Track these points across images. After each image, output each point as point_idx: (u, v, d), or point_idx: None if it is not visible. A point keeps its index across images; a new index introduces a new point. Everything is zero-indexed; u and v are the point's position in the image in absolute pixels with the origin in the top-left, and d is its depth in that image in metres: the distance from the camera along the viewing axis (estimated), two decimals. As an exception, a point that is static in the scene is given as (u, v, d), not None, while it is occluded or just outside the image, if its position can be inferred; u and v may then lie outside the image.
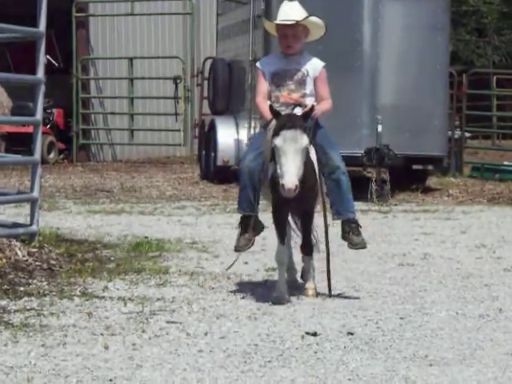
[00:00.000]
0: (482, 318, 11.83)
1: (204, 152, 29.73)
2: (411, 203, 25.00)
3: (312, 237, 13.01)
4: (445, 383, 8.93)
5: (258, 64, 12.36)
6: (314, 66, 12.00)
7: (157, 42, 38.74)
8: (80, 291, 12.78)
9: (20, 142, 26.40)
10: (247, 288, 13.24)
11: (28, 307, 12.09)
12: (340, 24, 23.74)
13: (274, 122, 11.60)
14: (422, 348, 10.27)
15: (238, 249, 12.78)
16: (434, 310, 12.28)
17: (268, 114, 11.61)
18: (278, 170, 11.41)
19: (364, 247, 12.79)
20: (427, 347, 10.31)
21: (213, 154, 28.13)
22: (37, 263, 14.48)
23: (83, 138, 36.52)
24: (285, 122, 11.29)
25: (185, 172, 31.64)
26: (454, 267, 15.60)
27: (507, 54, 67.96)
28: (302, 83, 11.84)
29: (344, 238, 12.70)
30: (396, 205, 23.83)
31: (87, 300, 12.34)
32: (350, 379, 9.02)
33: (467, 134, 36.84)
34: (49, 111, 33.32)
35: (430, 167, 27.91)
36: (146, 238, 17.80)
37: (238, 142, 27.11)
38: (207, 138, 29.28)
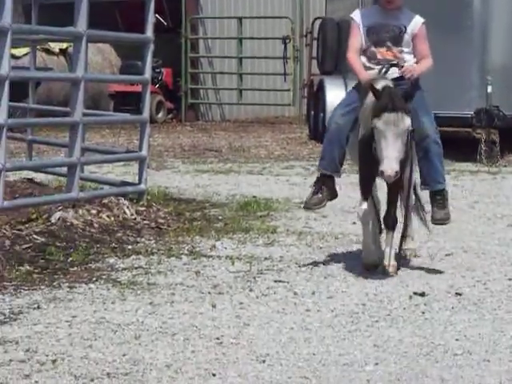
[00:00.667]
0: None
1: (313, 112, 29.71)
2: (522, 164, 24.77)
3: (420, 216, 12.58)
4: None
5: (353, 15, 11.66)
6: (413, 22, 11.29)
7: (266, 2, 38.79)
8: (188, 250, 12.88)
9: (128, 101, 26.45)
10: (355, 248, 13.23)
11: (136, 265, 12.23)
12: None
13: (372, 97, 10.92)
14: None
15: (307, 206, 12.38)
16: (543, 271, 12.13)
17: (361, 73, 11.23)
18: (378, 153, 10.95)
19: (445, 222, 11.94)
20: (536, 308, 10.23)
21: (321, 115, 28.06)
22: (145, 222, 14.60)
23: (192, 98, 36.64)
24: (386, 103, 10.66)
25: (293, 132, 31.66)
26: None
27: None
28: (399, 39, 11.19)
29: (430, 210, 12.15)
30: (506, 166, 23.44)
31: (195, 259, 12.43)
32: (457, 339, 9.10)
33: None
34: (157, 70, 33.34)
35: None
36: (254, 197, 17.83)
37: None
38: (316, 98, 29.26)
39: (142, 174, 15.87)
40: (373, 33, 10.99)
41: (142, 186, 15.77)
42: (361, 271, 11.98)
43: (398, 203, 12.33)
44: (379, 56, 11.07)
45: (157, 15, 18.00)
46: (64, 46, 25.74)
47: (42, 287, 11.03)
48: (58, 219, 13.76)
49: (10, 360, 8.42)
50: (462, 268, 12.27)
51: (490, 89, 23.63)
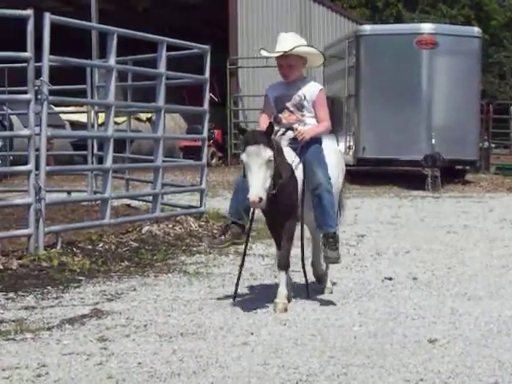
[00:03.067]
0: (504, 268, 11.91)
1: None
2: (455, 191, 25.05)
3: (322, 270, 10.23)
4: (478, 311, 9.09)
5: (266, 90, 10.12)
6: (311, 90, 9.43)
7: None
8: (233, 251, 12.82)
9: (192, 152, 26.46)
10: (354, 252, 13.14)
11: (198, 261, 12.31)
12: (406, 70, 24.05)
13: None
14: (463, 288, 10.42)
15: (210, 245, 10.83)
16: (470, 262, 12.34)
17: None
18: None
19: (335, 262, 9.53)
20: (466, 287, 10.46)
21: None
22: (204, 232, 14.63)
23: (234, 149, 36.62)
24: (248, 138, 8.95)
25: None
26: (484, 234, 15.61)
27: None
28: (300, 106, 9.37)
29: (322, 249, 9.75)
30: (444, 193, 23.94)
31: (238, 256, 12.40)
32: (414, 309, 9.28)
33: (492, 145, 37.03)
34: (212, 131, 33.60)
35: (468, 167, 28.09)
36: None
37: (336, 151, 27.47)
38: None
39: (202, 200, 15.93)
40: (278, 102, 9.56)
41: (202, 208, 15.85)
42: (349, 266, 12.08)
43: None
44: (284, 121, 9.49)
45: (211, 94, 18.04)
46: (149, 115, 25.75)
47: (137, 276, 11.10)
48: (147, 231, 13.86)
49: (116, 325, 8.50)
50: (417, 261, 12.42)
51: (433, 141, 24.12)
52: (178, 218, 14.99)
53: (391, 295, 10.08)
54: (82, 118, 21.05)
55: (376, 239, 14.60)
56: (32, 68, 11.64)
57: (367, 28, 26.71)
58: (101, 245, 12.67)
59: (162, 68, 14.73)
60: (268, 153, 8.60)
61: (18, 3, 17.34)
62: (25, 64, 11.89)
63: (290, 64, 9.37)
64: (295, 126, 9.43)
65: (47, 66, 11.82)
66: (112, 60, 13.46)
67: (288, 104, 9.30)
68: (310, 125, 9.49)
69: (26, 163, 11.79)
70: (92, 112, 19.11)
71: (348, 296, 10.01)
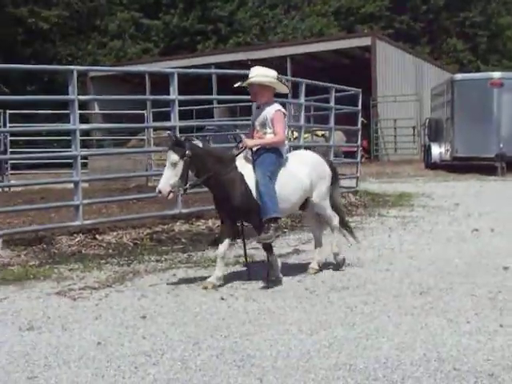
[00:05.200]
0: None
1: (425, 157, 29.97)
2: (519, 176, 24.29)
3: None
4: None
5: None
6: (270, 111, 7.48)
7: (406, 109, 37.47)
8: (378, 214, 12.93)
9: (350, 155, 26.43)
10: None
11: (356, 221, 12.21)
12: (483, 101, 24.16)
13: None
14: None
15: (259, 241, 7.51)
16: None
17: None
18: None
19: (266, 241, 7.24)
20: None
21: (428, 158, 28.62)
22: (359, 203, 14.75)
23: (375, 152, 36.31)
24: (167, 144, 7.28)
25: (418, 165, 30.69)
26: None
27: None
28: (263, 125, 7.50)
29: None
30: (509, 178, 22.96)
31: (379, 216, 12.53)
32: (493, 248, 9.03)
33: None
34: (361, 141, 33.41)
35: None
36: (404, 192, 17.11)
37: (440, 153, 27.31)
38: (426, 151, 29.54)
39: (357, 183, 16.24)
40: (253, 121, 7.79)
41: (357, 188, 16.03)
42: (450, 222, 12.05)
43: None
44: (255, 136, 7.51)
45: (362, 119, 18.28)
46: (323, 132, 26.04)
47: None
48: None
49: (308, 258, 8.66)
50: (494, 219, 12.00)
51: (501, 145, 23.89)
52: (343, 194, 15.10)
53: (477, 240, 9.82)
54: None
55: (467, 206, 14.13)
56: (255, 104, 12.27)
57: (458, 76, 27.02)
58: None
59: (331, 103, 15.27)
60: (174, 157, 6.95)
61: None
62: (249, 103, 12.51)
63: (254, 91, 7.58)
64: (243, 138, 7.90)
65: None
66: (302, 99, 14.09)
67: (256, 123, 7.62)
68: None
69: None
70: (289, 131, 19.88)
71: (450, 241, 9.81)
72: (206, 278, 7.36)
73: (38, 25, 39.59)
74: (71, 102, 9.88)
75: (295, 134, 19.77)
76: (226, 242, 7.30)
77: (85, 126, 11.79)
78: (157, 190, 7.02)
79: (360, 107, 16.89)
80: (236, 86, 7.76)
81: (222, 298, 6.63)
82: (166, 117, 11.66)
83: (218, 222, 11.06)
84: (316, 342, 5.18)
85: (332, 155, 15.41)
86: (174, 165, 6.98)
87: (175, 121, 11.03)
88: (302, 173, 7.59)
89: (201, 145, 7.26)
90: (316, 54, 37.90)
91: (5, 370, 4.70)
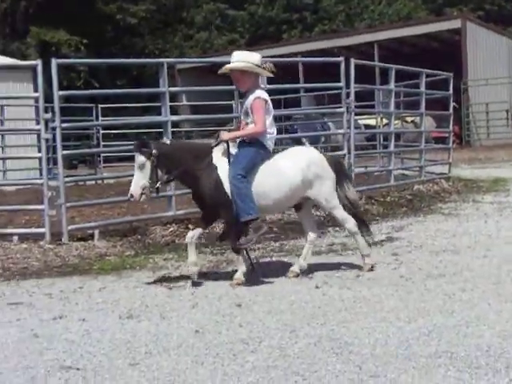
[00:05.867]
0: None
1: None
2: None
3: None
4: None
5: None
6: (250, 98, 6.95)
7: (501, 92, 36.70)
8: (472, 200, 12.75)
9: (442, 141, 25.90)
10: None
11: (450, 207, 12.09)
12: None
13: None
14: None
15: (238, 246, 7.07)
16: None
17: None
18: None
19: (245, 246, 6.99)
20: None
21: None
22: (452, 189, 14.46)
23: (467, 138, 35.37)
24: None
25: None
26: None
27: None
28: (246, 113, 6.97)
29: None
30: None
31: (474, 202, 12.34)
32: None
33: None
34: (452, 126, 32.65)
35: None
36: (498, 177, 16.64)
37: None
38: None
39: (449, 169, 15.98)
40: (240, 110, 7.43)
41: (450, 174, 15.76)
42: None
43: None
44: (241, 127, 7.06)
45: (453, 103, 17.88)
46: (412, 118, 25.66)
47: (412, 216, 11.13)
48: (416, 189, 13.88)
49: (402, 245, 8.57)
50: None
51: None
52: (436, 181, 14.93)
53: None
54: (372, 121, 21.56)
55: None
56: (344, 92, 12.24)
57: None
58: (388, 198, 12.69)
59: (422, 88, 15.01)
60: (140, 159, 6.75)
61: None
62: (338, 91, 12.52)
63: (235, 78, 7.11)
64: (220, 131, 7.13)
65: (353, 91, 12.36)
66: (392, 85, 13.92)
67: (241, 112, 7.22)
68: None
69: (338, 150, 12.43)
70: (379, 118, 19.72)
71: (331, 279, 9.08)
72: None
73: (126, 20, 40.37)
74: (162, 95, 10.07)
75: (384, 120, 19.60)
76: (198, 230, 7.07)
77: (176, 118, 11.96)
78: (129, 195, 6.83)
79: (451, 92, 16.54)
80: (219, 72, 7.26)
81: (317, 287, 6.63)
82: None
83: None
84: (415, 329, 5.12)
85: (423, 141, 15.17)
86: (142, 166, 6.79)
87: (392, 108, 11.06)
88: (291, 169, 6.99)
89: (168, 142, 7.07)
90: (404, 38, 37.36)
91: (108, 357, 4.83)
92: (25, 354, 4.96)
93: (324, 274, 7.16)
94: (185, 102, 33.15)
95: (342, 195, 7.28)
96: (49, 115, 9.38)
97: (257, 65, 7.02)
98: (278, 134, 7.54)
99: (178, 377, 4.38)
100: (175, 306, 6.16)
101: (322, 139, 23.28)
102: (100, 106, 21.74)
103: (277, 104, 14.82)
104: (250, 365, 4.54)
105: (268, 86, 10.99)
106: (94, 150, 20.78)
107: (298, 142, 23.00)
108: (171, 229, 9.77)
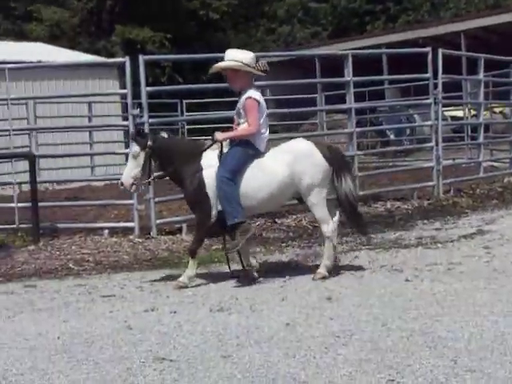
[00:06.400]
0: None
1: None
2: None
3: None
4: None
5: None
6: (242, 98, 6.84)
7: None
8: None
9: None
10: None
11: None
12: None
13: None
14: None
15: (226, 251, 7.08)
16: None
17: None
18: None
19: (232, 251, 6.90)
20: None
21: None
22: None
23: None
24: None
25: None
26: None
27: None
28: (238, 114, 6.87)
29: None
30: None
31: None
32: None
33: None
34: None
35: None
36: None
37: None
38: None
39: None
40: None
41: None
42: None
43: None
44: (234, 127, 7.04)
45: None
46: (501, 109, 25.10)
47: (503, 209, 10.87)
48: (507, 181, 13.49)
49: (493, 239, 8.47)
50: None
51: None
52: None
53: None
54: (459, 113, 21.16)
55: None
56: (431, 83, 12.05)
57: None
58: (478, 190, 12.49)
59: (512, 77, 14.72)
60: (135, 148, 6.81)
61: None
62: (424, 82, 12.33)
63: (228, 76, 7.03)
64: (215, 132, 6.99)
65: (441, 81, 12.15)
66: (481, 75, 13.65)
67: (235, 112, 7.04)
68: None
69: (425, 142, 12.19)
70: (466, 109, 19.36)
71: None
72: (387, 259, 7.33)
73: (209, 16, 40.71)
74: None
75: (472, 111, 19.20)
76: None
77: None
78: (119, 183, 6.88)
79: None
80: (210, 72, 7.24)
81: (407, 280, 6.58)
82: (336, 100, 11.70)
83: (398, 204, 11.12)
84: (510, 324, 5.03)
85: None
86: (136, 156, 6.80)
87: (350, 102, 11.05)
88: (279, 164, 6.79)
89: (165, 137, 7.00)
90: (492, 26, 36.47)
91: (200, 349, 4.90)
92: (120, 346, 5.08)
93: (414, 268, 7.09)
94: (269, 96, 33.23)
95: (339, 187, 6.94)
96: (137, 111, 9.55)
97: (247, 64, 6.89)
98: (362, 126, 7.56)
99: (271, 369, 4.41)
100: (264, 298, 6.20)
101: (407, 131, 22.97)
102: (185, 101, 22.03)
103: (361, 96, 14.69)
104: (342, 358, 4.53)
105: (354, 79, 10.99)
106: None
107: (382, 134, 22.92)
108: (258, 222, 9.83)
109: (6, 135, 10.75)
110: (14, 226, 9.84)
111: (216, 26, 42.20)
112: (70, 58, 22.61)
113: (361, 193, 10.93)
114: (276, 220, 10.05)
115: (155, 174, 7.04)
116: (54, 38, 34.45)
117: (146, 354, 4.83)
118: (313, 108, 18.87)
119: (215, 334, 5.21)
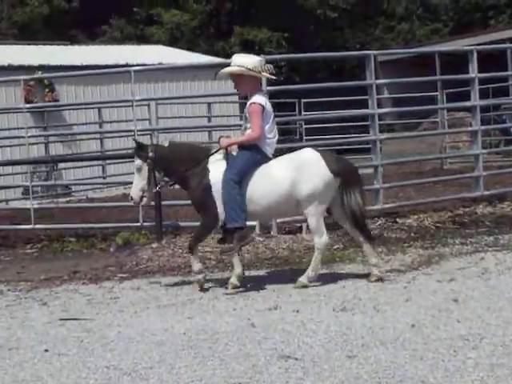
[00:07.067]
0: None
1: None
2: None
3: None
4: None
5: None
6: (248, 104, 6.92)
7: None
8: None
9: None
10: None
11: None
12: None
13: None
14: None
15: (222, 253, 7.55)
16: None
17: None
18: None
19: (227, 254, 7.11)
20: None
21: None
22: None
23: None
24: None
25: None
26: None
27: None
28: (245, 119, 6.96)
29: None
30: None
31: None
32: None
33: None
34: None
35: None
36: None
37: None
38: None
39: None
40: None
41: None
42: None
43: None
44: (241, 131, 7.14)
45: None
46: None
47: None
48: None
49: None
50: None
51: None
52: None
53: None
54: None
55: None
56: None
57: None
58: None
59: None
60: (138, 162, 6.99)
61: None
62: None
63: (235, 82, 7.15)
64: (220, 138, 7.08)
65: None
66: None
67: (243, 117, 7.07)
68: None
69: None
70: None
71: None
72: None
73: (327, 14, 40.66)
74: (369, 87, 10.05)
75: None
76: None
77: (383, 110, 11.91)
78: (129, 198, 7.11)
79: None
80: (215, 78, 7.37)
81: (537, 283, 6.36)
82: (459, 97, 11.44)
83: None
84: None
85: None
86: (139, 169, 6.98)
87: (475, 100, 10.79)
88: (283, 171, 6.78)
89: (166, 145, 7.07)
90: None
91: (324, 348, 4.90)
92: (244, 343, 5.14)
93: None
94: (387, 95, 32.89)
95: (346, 201, 6.82)
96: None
97: (251, 68, 6.91)
98: (486, 124, 7.35)
99: (398, 370, 4.36)
100: (388, 299, 6.15)
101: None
102: (303, 100, 22.02)
103: (484, 93, 14.29)
104: (472, 362, 4.43)
105: (479, 75, 10.70)
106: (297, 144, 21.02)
107: (505, 132, 22.21)
108: (379, 222, 9.73)
109: (131, 135, 11.06)
110: (138, 224, 10.10)
111: (333, 25, 42.10)
112: (190, 60, 23.00)
113: (486, 192, 10.78)
114: (397, 220, 9.91)
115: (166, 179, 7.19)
116: (173, 41, 35.18)
117: (270, 352, 4.87)
118: (434, 106, 18.53)
119: (339, 334, 5.20)
